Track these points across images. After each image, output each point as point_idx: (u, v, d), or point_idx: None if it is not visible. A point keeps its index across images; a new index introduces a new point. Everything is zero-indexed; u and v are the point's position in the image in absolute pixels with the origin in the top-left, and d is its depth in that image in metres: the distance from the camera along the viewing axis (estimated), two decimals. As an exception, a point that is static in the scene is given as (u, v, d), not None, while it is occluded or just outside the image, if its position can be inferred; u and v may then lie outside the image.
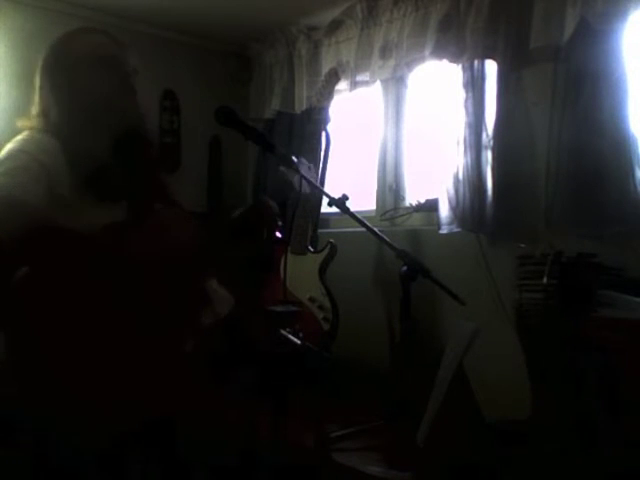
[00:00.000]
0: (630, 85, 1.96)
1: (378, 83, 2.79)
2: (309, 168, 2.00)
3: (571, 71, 2.05)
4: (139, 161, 1.64)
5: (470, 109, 2.30)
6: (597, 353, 1.56)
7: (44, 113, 1.58)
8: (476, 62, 2.31)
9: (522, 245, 2.03)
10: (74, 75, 1.58)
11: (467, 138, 2.31)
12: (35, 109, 1.61)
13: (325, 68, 2.87)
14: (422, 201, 2.65)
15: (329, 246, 2.46)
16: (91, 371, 1.33)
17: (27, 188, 1.40)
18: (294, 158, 1.90)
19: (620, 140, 1.95)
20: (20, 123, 1.59)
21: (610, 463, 1.46)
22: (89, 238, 1.39)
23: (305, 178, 1.89)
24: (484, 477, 1.56)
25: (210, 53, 3.39)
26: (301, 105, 3.02)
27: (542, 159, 2.15)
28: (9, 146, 1.51)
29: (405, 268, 1.83)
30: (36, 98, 1.61)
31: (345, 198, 1.92)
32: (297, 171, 1.87)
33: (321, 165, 2.59)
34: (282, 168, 1.98)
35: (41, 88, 1.60)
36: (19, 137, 1.54)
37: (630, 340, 1.53)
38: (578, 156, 2.02)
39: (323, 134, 2.57)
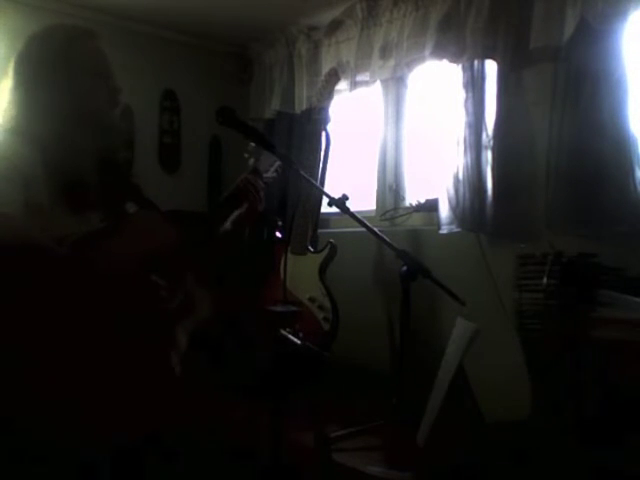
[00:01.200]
0: (630, 85, 1.96)
1: (378, 83, 2.79)
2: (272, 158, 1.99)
3: (571, 71, 2.05)
4: (115, 167, 1.60)
5: (470, 109, 2.30)
6: (597, 353, 1.57)
7: (18, 113, 1.49)
8: (476, 62, 2.31)
9: (522, 245, 2.03)
10: (68, 85, 1.50)
11: (467, 138, 2.31)
12: (7, 108, 1.50)
13: (325, 68, 2.87)
14: (422, 201, 2.65)
15: (329, 246, 2.46)
16: (75, 386, 1.28)
17: (6, 199, 1.34)
18: (252, 144, 1.88)
19: (620, 140, 1.94)
20: None
21: (610, 463, 1.46)
22: (66, 252, 1.34)
23: (310, 181, 1.89)
24: (484, 477, 1.56)
25: (210, 53, 3.39)
26: (301, 105, 3.02)
27: (542, 159, 2.15)
28: None
29: (405, 268, 1.83)
30: (6, 93, 1.50)
31: (345, 198, 1.92)
32: (297, 172, 1.87)
33: (321, 165, 2.59)
34: (246, 155, 1.98)
35: (21, 85, 1.49)
36: None
37: (630, 340, 1.53)
38: (578, 156, 2.02)
39: (323, 134, 2.57)
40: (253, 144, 1.89)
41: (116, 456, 1.35)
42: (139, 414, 1.34)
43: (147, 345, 1.38)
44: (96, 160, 1.53)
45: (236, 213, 1.82)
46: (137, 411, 1.34)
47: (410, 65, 2.53)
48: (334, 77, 2.59)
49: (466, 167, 2.31)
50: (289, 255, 2.45)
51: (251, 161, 1.96)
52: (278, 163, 1.96)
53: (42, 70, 1.49)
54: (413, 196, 2.77)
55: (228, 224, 1.79)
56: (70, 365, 1.28)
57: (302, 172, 1.88)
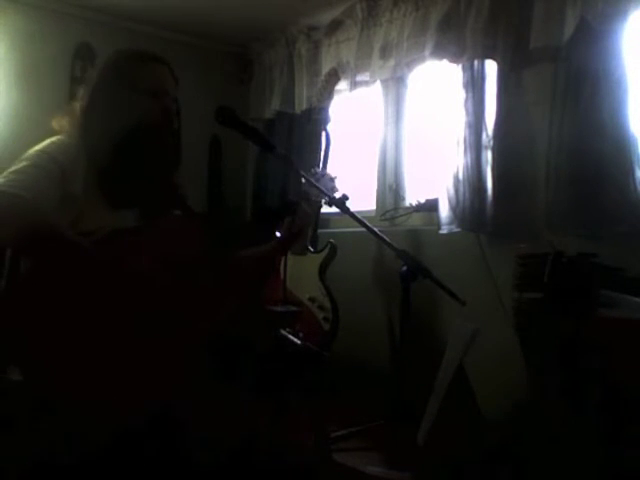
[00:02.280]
0: (630, 85, 1.96)
1: (378, 83, 2.79)
2: (331, 179, 2.01)
3: (571, 71, 2.05)
4: (162, 178, 1.69)
5: (470, 109, 2.30)
6: (597, 353, 1.56)
7: (77, 121, 1.63)
8: (476, 62, 2.31)
9: (522, 245, 2.03)
10: (130, 106, 1.63)
11: (467, 138, 2.31)
12: (70, 112, 1.66)
13: (325, 68, 2.87)
14: (422, 201, 2.65)
15: (329, 246, 2.46)
16: (91, 369, 1.36)
17: (36, 187, 1.45)
18: (317, 169, 1.90)
19: (620, 140, 1.94)
20: (55, 124, 1.65)
21: (610, 463, 1.46)
22: (89, 243, 1.42)
23: (306, 178, 1.89)
24: (484, 477, 1.56)
25: (210, 53, 3.39)
26: (301, 105, 3.02)
27: (542, 159, 2.15)
28: (35, 147, 1.57)
29: (405, 268, 1.83)
30: (77, 102, 1.67)
31: (345, 198, 1.92)
32: (298, 172, 1.87)
33: (321, 165, 2.59)
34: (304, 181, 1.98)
35: (87, 99, 1.65)
36: (48, 140, 1.59)
37: (630, 340, 1.53)
38: (578, 156, 2.02)
39: (323, 134, 2.57)
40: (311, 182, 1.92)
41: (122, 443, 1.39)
42: (148, 393, 1.42)
43: (162, 339, 1.46)
44: (138, 167, 1.63)
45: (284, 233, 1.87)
46: (146, 391, 1.41)
47: (410, 65, 2.53)
48: (334, 77, 2.60)
49: (466, 167, 2.30)
50: (289, 255, 2.45)
51: (304, 186, 1.97)
52: (331, 190, 1.98)
53: (104, 87, 1.65)
54: (413, 196, 2.77)
55: (275, 243, 1.87)
56: (85, 349, 1.36)
57: (302, 172, 1.88)
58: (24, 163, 1.50)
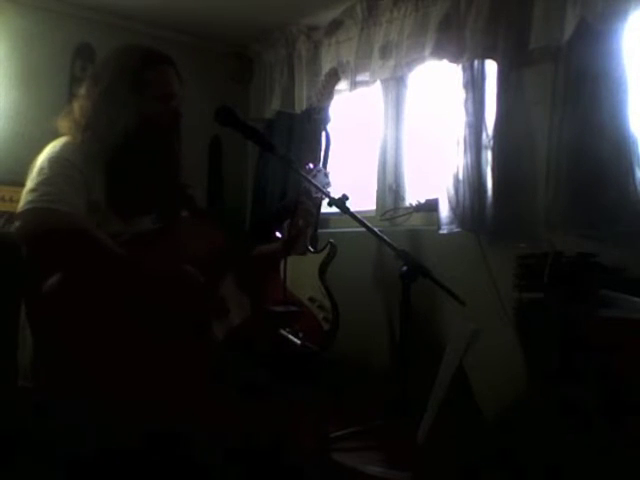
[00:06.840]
0: (630, 85, 1.96)
1: (378, 83, 2.79)
2: (325, 175, 2.02)
3: (571, 71, 2.05)
4: (171, 180, 1.71)
5: (470, 109, 2.30)
6: (597, 353, 1.57)
7: (87, 124, 1.61)
8: (476, 62, 2.31)
9: (522, 245, 2.03)
10: (139, 110, 1.62)
11: (467, 138, 2.31)
12: (77, 112, 1.64)
13: (325, 68, 2.88)
14: (422, 201, 2.66)
15: (329, 246, 2.46)
16: (113, 374, 1.38)
17: (66, 197, 1.47)
18: (311, 165, 1.91)
19: (620, 140, 1.95)
20: (61, 124, 1.64)
21: (610, 463, 1.46)
22: (117, 249, 1.45)
23: (308, 180, 1.89)
24: (484, 477, 1.56)
25: (210, 53, 3.39)
26: (301, 105, 3.02)
27: (542, 159, 2.15)
28: (49, 151, 1.56)
29: (405, 268, 1.83)
30: (83, 101, 1.65)
31: (345, 198, 1.92)
32: (297, 172, 1.87)
33: (321, 165, 2.59)
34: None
35: (97, 101, 1.63)
36: (59, 143, 1.59)
37: (630, 340, 1.53)
38: (578, 156, 2.02)
39: (323, 134, 2.57)
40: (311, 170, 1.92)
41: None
42: (170, 401, 1.44)
43: (182, 340, 1.49)
44: (151, 171, 1.64)
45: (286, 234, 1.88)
46: (168, 398, 1.43)
47: (410, 65, 2.53)
48: (334, 77, 2.59)
49: (466, 167, 2.31)
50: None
51: (303, 183, 1.98)
52: (326, 186, 2.00)
53: (112, 91, 1.63)
54: (413, 196, 2.77)
55: (279, 244, 1.88)
56: (109, 352, 1.39)
57: (302, 172, 1.88)
58: (47, 172, 1.50)
